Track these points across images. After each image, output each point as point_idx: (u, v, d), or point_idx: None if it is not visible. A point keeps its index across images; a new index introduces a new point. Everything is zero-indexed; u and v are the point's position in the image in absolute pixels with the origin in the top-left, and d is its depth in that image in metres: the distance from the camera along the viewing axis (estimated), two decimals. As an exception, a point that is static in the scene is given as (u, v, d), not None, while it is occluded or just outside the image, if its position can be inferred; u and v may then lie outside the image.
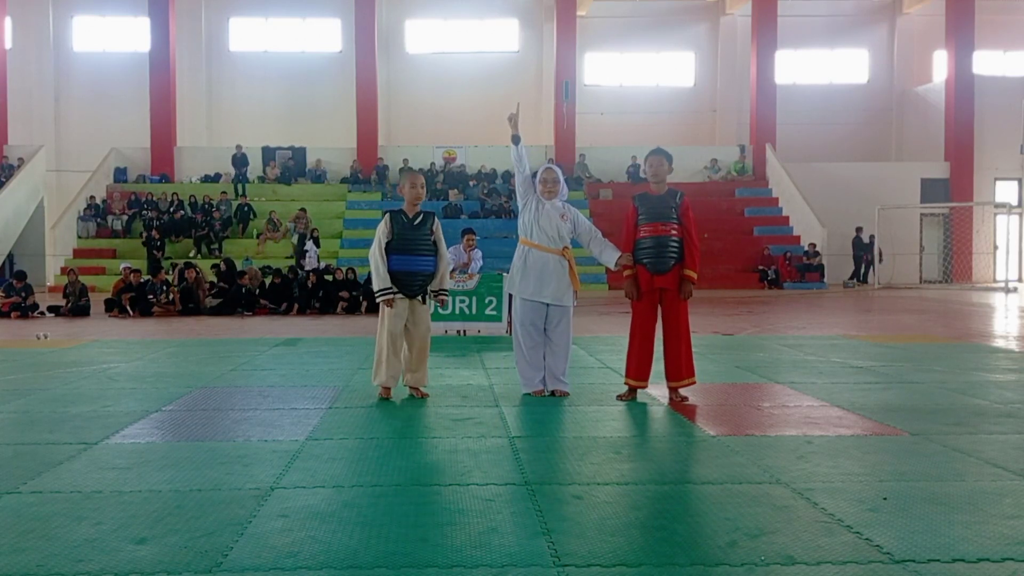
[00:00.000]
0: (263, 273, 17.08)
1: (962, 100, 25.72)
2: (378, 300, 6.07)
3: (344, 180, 25.71)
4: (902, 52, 28.90)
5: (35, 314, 14.35)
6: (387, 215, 6.10)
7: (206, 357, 8.60)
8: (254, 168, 25.55)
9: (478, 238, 11.41)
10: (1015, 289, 21.33)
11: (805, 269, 22.44)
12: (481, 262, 11.20)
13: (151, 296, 14.72)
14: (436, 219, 6.17)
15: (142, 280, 15.07)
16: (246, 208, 23.43)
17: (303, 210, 23.19)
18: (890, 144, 29.00)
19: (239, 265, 17.09)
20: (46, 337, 10.73)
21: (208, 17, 27.86)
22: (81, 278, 15.43)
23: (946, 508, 3.56)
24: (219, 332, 11.52)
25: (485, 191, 25.02)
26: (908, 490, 3.82)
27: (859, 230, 24.06)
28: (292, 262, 18.93)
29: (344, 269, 15.86)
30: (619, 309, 14.45)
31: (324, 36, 28.25)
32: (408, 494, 3.77)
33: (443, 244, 6.17)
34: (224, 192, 24.32)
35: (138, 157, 25.71)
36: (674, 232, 5.85)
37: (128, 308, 14.49)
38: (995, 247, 25.46)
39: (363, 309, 14.62)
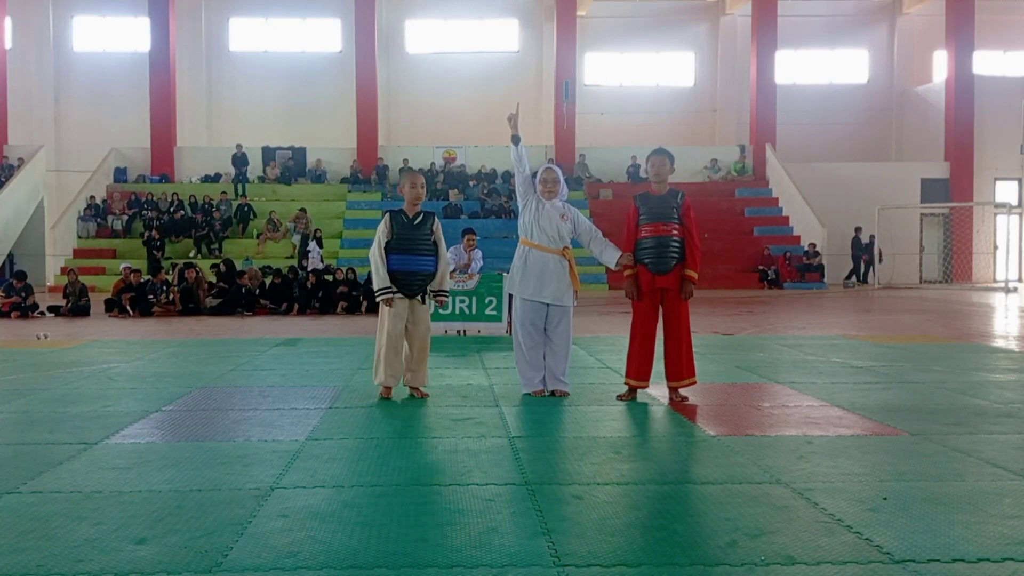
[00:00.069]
0: (263, 273, 17.09)
1: (962, 100, 25.73)
2: (377, 299, 6.07)
3: (344, 180, 25.71)
4: (902, 52, 28.91)
5: (35, 314, 14.35)
6: (387, 215, 6.11)
7: (206, 357, 8.60)
8: (254, 168, 25.56)
9: (478, 238, 11.40)
10: (1015, 289, 21.33)
11: (805, 269, 22.45)
12: (481, 262, 11.20)
13: (151, 296, 14.72)
14: (436, 219, 6.17)
15: (142, 280, 15.07)
16: (246, 208, 23.44)
17: (303, 210, 23.20)
18: (890, 144, 29.00)
19: (239, 265, 17.09)
20: (46, 337, 10.73)
21: (208, 17, 27.86)
22: (81, 278, 15.43)
23: (946, 508, 3.56)
24: (219, 332, 11.52)
25: (485, 191, 25.03)
26: (908, 490, 3.82)
27: (858, 230, 24.07)
28: (292, 262, 18.94)
29: (344, 269, 15.86)
30: (619, 309, 14.45)
31: (324, 36, 28.25)
32: (408, 494, 3.77)
33: (443, 244, 6.17)
34: (224, 192, 24.33)
35: (138, 157, 25.71)
36: (675, 232, 5.85)
37: (128, 308, 14.49)
38: (995, 247, 25.46)
39: (363, 309, 14.62)
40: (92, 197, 23.70)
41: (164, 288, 15.00)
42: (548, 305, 6.09)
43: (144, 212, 23.36)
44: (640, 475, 4.14)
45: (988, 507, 3.58)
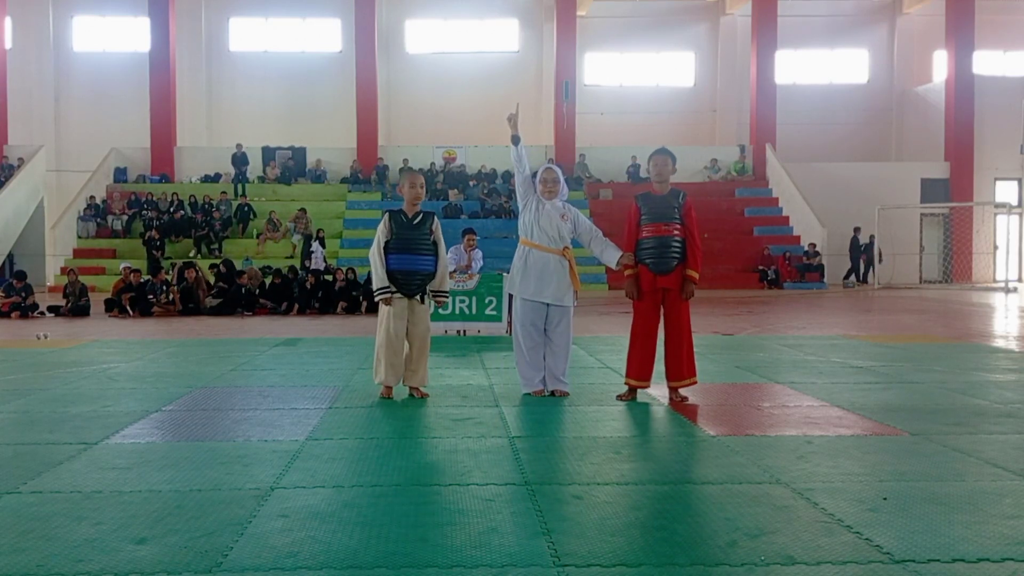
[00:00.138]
0: (263, 273, 17.09)
1: (962, 100, 25.73)
2: (376, 299, 6.08)
3: (344, 180, 25.71)
4: (902, 52, 28.91)
5: (35, 314, 14.35)
6: (387, 214, 6.12)
7: (206, 357, 8.60)
8: (254, 168, 25.56)
9: (478, 238, 11.40)
10: (1015, 289, 21.33)
11: (805, 269, 22.45)
12: (481, 262, 11.20)
13: (151, 296, 14.72)
14: (436, 219, 6.17)
15: (142, 280, 15.07)
16: (246, 208, 23.44)
17: (303, 210, 23.21)
18: (890, 144, 29.00)
19: (239, 265, 17.09)
20: (46, 337, 10.73)
21: (208, 17, 27.86)
22: (81, 278, 15.43)
23: (946, 508, 3.56)
24: (219, 332, 11.52)
25: (485, 191, 25.03)
26: (908, 490, 3.82)
27: (856, 230, 24.04)
28: (292, 262, 18.93)
29: (344, 269, 15.86)
30: (619, 309, 14.45)
31: (324, 36, 28.25)
32: (408, 494, 3.77)
33: (442, 244, 6.17)
34: (224, 192, 24.33)
35: (138, 157, 25.71)
36: (676, 232, 5.85)
37: (128, 308, 14.49)
38: (995, 247, 25.46)
39: (363, 309, 14.62)
40: (92, 197, 23.70)
41: (164, 288, 15.00)
42: (548, 305, 6.09)
43: (144, 212, 23.36)
44: (640, 475, 4.14)
45: (988, 507, 3.58)
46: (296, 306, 14.85)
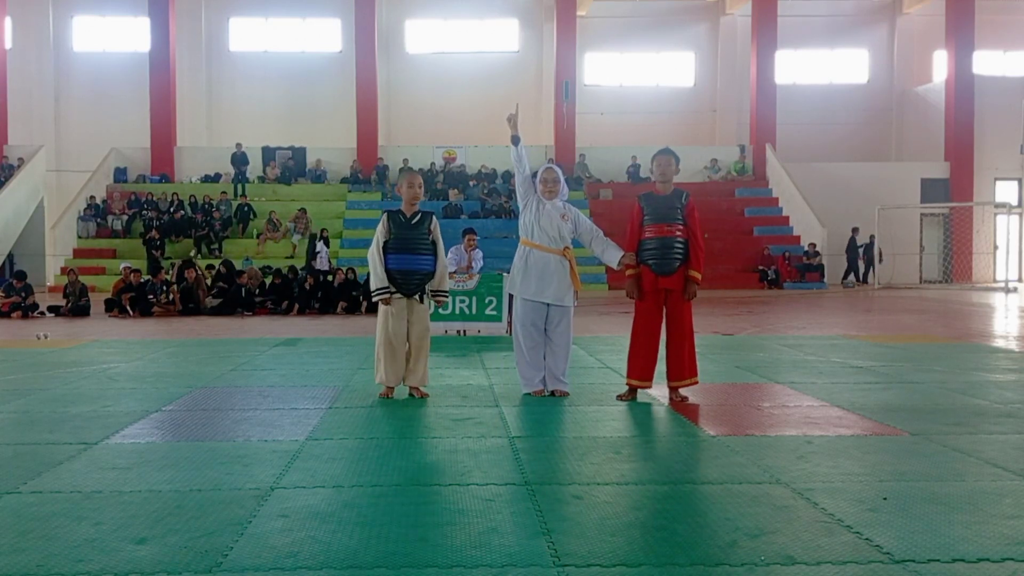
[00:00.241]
0: (263, 273, 17.09)
1: (962, 100, 25.72)
2: (375, 299, 6.09)
3: (344, 180, 25.71)
4: (902, 52, 28.91)
5: (35, 314, 14.36)
6: (385, 215, 6.13)
7: (206, 357, 8.60)
8: (254, 168, 25.56)
9: (478, 238, 11.40)
10: (1015, 289, 21.33)
11: (805, 269, 22.45)
12: (482, 262, 11.20)
13: (151, 296, 14.73)
14: (434, 219, 6.17)
15: (142, 280, 15.07)
16: (246, 208, 23.44)
17: (303, 210, 23.23)
18: (890, 144, 29.00)
19: (239, 265, 17.09)
20: (46, 337, 10.73)
21: (208, 17, 27.86)
22: (81, 278, 15.43)
23: (946, 508, 3.56)
24: (219, 332, 11.52)
25: (485, 191, 25.02)
26: (908, 490, 3.82)
27: (855, 231, 23.99)
28: (292, 262, 18.92)
29: (344, 269, 15.87)
30: (619, 309, 14.46)
31: (324, 36, 28.25)
32: (408, 494, 3.77)
33: (441, 244, 6.17)
34: (224, 192, 24.34)
35: (138, 157, 25.71)
36: (679, 233, 5.84)
37: (128, 308, 14.49)
38: (995, 247, 25.46)
39: (363, 309, 14.62)
40: (92, 197, 23.70)
41: (164, 288, 15.00)
42: (548, 305, 6.09)
43: (144, 212, 23.36)
44: (640, 475, 4.14)
45: (988, 507, 3.58)
46: (296, 306, 14.85)
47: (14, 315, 14.01)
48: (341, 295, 15.08)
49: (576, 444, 4.73)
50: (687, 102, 28.78)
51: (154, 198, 23.94)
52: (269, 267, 18.39)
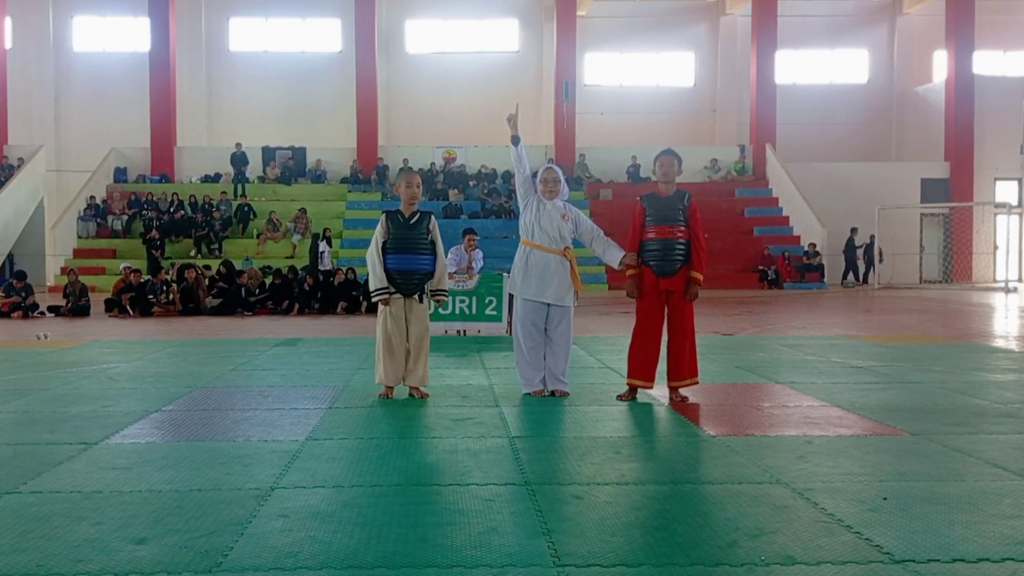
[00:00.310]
0: (263, 273, 17.08)
1: (962, 100, 25.72)
2: (374, 299, 6.09)
3: (344, 180, 25.71)
4: (902, 52, 28.90)
5: (35, 314, 14.36)
6: (384, 215, 6.14)
7: (206, 357, 8.60)
8: (254, 168, 25.56)
9: (478, 238, 11.40)
10: (1015, 289, 21.33)
11: (805, 269, 22.45)
12: (482, 262, 11.19)
13: (151, 296, 14.73)
14: (433, 218, 6.18)
15: (142, 280, 15.07)
16: (246, 208, 23.44)
17: (303, 210, 23.23)
18: (890, 144, 29.00)
19: (239, 265, 17.09)
20: (46, 337, 10.73)
21: (208, 17, 27.86)
22: (81, 278, 15.43)
23: (946, 508, 3.56)
24: (219, 332, 11.52)
25: (485, 191, 25.02)
26: (908, 490, 3.82)
27: (853, 231, 23.94)
28: (292, 262, 18.91)
29: (344, 269, 15.87)
30: (619, 309, 14.46)
31: (324, 36, 28.25)
32: (408, 494, 3.77)
33: (440, 243, 6.18)
34: (224, 192, 24.34)
35: (138, 157, 25.71)
36: (680, 234, 5.84)
37: (128, 308, 14.49)
38: (995, 247, 25.45)
39: (363, 309, 14.62)
40: (92, 197, 23.70)
41: (164, 288, 15.00)
42: (549, 305, 6.09)
43: (144, 212, 23.36)
44: (640, 475, 4.14)
45: (988, 507, 3.58)
46: (296, 306, 14.85)
47: (14, 315, 14.01)
48: (341, 295, 15.08)
49: (576, 444, 4.73)
50: (687, 102, 28.78)
51: (154, 198, 23.94)
52: (269, 267, 18.38)
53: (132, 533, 3.25)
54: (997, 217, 25.51)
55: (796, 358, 8.38)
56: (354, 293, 15.04)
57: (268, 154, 25.83)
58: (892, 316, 13.96)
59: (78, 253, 22.25)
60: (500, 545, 3.14)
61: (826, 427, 5.13)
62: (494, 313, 10.51)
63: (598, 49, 28.49)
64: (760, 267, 22.56)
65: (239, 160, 25.15)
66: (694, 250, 5.85)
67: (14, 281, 14.68)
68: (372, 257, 6.03)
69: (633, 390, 6.03)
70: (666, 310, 5.95)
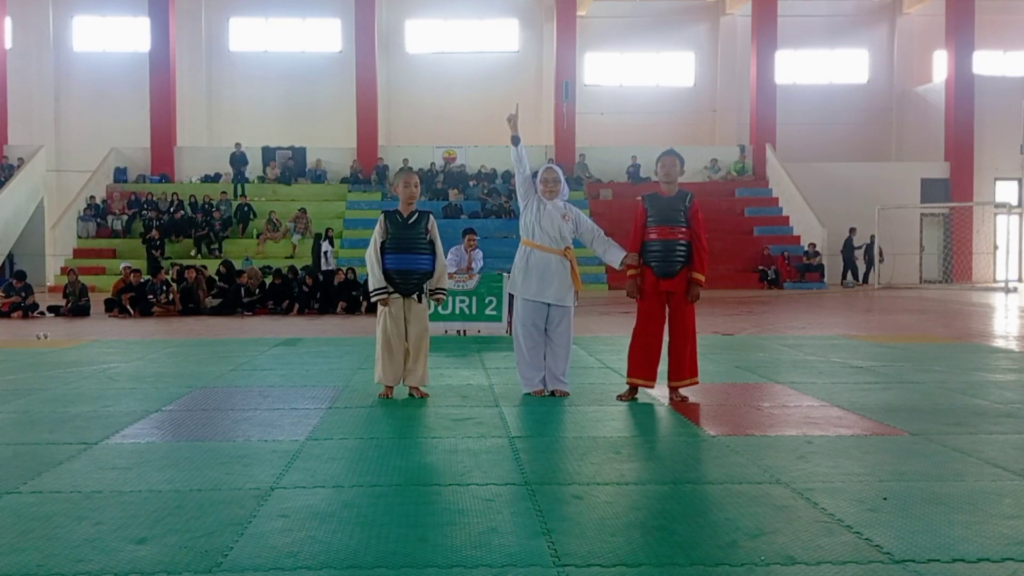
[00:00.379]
0: (263, 273, 17.08)
1: (962, 100, 25.72)
2: (372, 299, 6.10)
3: (344, 180, 25.71)
4: (902, 52, 28.90)
5: (35, 314, 14.36)
6: (382, 215, 6.15)
7: (206, 357, 8.60)
8: (254, 168, 25.56)
9: (478, 238, 11.40)
10: (1015, 289, 21.33)
11: (805, 269, 22.45)
12: (482, 262, 11.19)
13: (151, 296, 14.72)
14: (431, 218, 6.19)
15: (142, 280, 15.07)
16: (246, 208, 23.44)
17: (303, 210, 23.22)
18: (890, 144, 29.00)
19: (239, 265, 17.08)
20: (46, 337, 10.73)
21: (208, 17, 27.85)
22: (81, 278, 15.43)
23: (946, 508, 3.56)
24: (219, 332, 11.52)
25: (485, 191, 25.02)
26: (908, 490, 3.82)
27: (852, 231, 23.91)
28: (292, 262, 18.90)
29: (344, 269, 15.87)
30: (619, 309, 14.46)
31: (324, 36, 28.24)
32: (408, 494, 3.77)
33: (439, 243, 6.18)
34: (224, 192, 24.34)
35: (138, 157, 25.71)
36: (681, 236, 5.84)
37: (128, 308, 14.48)
38: (995, 247, 25.45)
39: (363, 309, 14.61)
40: (92, 197, 23.69)
41: (164, 288, 15.00)
42: (549, 305, 6.09)
43: (144, 212, 23.35)
44: (640, 475, 4.14)
45: (988, 507, 3.58)
46: (296, 306, 14.85)
47: (14, 315, 14.01)
48: (341, 295, 15.08)
49: (576, 444, 4.73)
50: (687, 102, 28.77)
51: (154, 198, 23.94)
52: (269, 267, 18.37)
53: (132, 533, 3.26)
54: (997, 217, 25.50)
55: (796, 358, 8.38)
56: (354, 293, 15.04)
57: (268, 154, 25.83)
58: (892, 316, 13.96)
59: (78, 253, 22.25)
60: (500, 545, 3.14)
61: (826, 427, 5.13)
62: (494, 313, 10.50)
63: (598, 49, 28.48)
64: (760, 267, 22.56)
65: (238, 160, 25.15)
66: (695, 251, 5.85)
67: (14, 281, 14.68)
68: (371, 257, 6.04)
69: (633, 389, 6.04)
70: (667, 311, 5.95)
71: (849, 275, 23.97)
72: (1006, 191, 26.33)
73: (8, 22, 25.87)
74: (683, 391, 5.97)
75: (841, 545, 3.14)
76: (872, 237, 23.76)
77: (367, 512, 3.52)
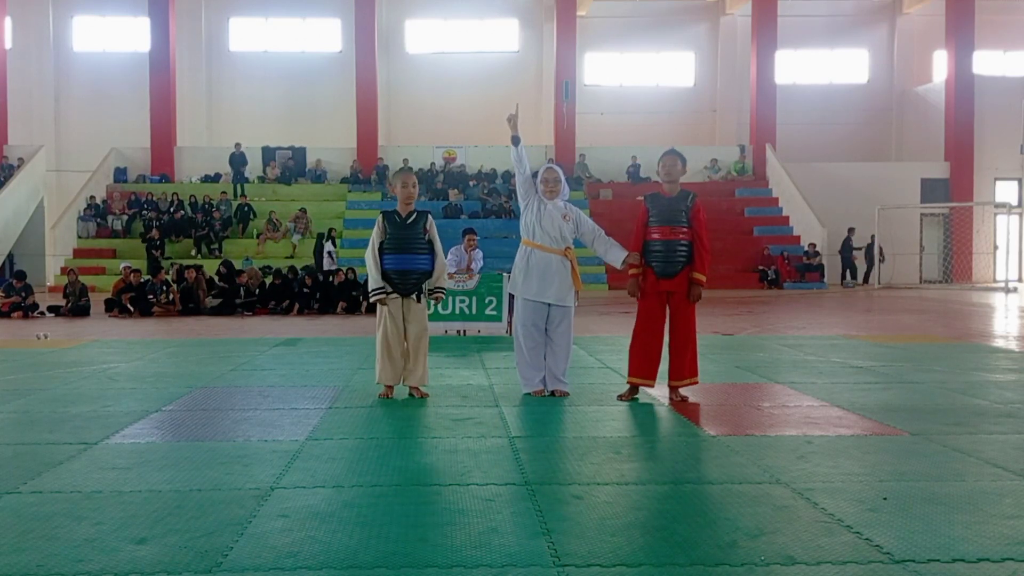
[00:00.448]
0: (263, 273, 17.08)
1: (962, 100, 25.72)
2: (371, 300, 6.11)
3: (344, 180, 25.71)
4: (902, 52, 28.90)
5: (35, 314, 14.35)
6: (380, 215, 6.15)
7: (206, 357, 8.60)
8: (254, 168, 25.56)
9: (478, 238, 11.39)
10: (1015, 289, 21.33)
11: (805, 269, 22.45)
12: (482, 262, 11.19)
13: (151, 296, 14.72)
14: (430, 217, 6.19)
15: (142, 280, 15.07)
16: (246, 208, 23.44)
17: (303, 210, 23.22)
18: (890, 144, 29.00)
19: (239, 265, 17.09)
20: (46, 337, 10.73)
21: (208, 17, 27.86)
22: (81, 278, 15.43)
23: (946, 508, 3.56)
24: (219, 332, 11.52)
25: (485, 191, 25.02)
26: (908, 490, 3.82)
27: (850, 231, 23.90)
28: (292, 262, 18.91)
29: (344, 269, 15.87)
30: (619, 309, 14.46)
31: (324, 36, 28.25)
32: (408, 494, 3.77)
33: (438, 242, 6.18)
34: (224, 192, 24.34)
35: (138, 157, 25.71)
36: (683, 236, 5.84)
37: (129, 307, 14.47)
38: (995, 247, 25.45)
39: (363, 309, 14.61)
40: (92, 197, 23.70)
41: (164, 288, 15.00)
42: (550, 305, 6.09)
43: (144, 212, 23.36)
44: (640, 475, 4.14)
45: (988, 507, 3.58)
46: (296, 306, 14.85)
47: (14, 315, 14.01)
48: (341, 295, 15.08)
49: (576, 444, 4.73)
50: (687, 102, 28.77)
51: (154, 198, 23.94)
52: (269, 267, 18.37)
53: (132, 533, 3.25)
54: (997, 217, 25.50)
55: (796, 358, 8.38)
56: (354, 293, 15.04)
57: (268, 154, 25.83)
58: (892, 316, 13.96)
59: (78, 253, 22.25)
60: (500, 545, 3.14)
61: (826, 427, 5.13)
62: (494, 313, 10.50)
63: (598, 49, 28.48)
64: (760, 267, 22.56)
65: (237, 160, 25.16)
66: (696, 251, 5.85)
67: (14, 281, 14.68)
68: (369, 258, 6.05)
69: (634, 389, 6.04)
70: (668, 311, 5.95)
71: (848, 275, 23.96)
72: (1006, 191, 26.33)
73: (8, 22, 25.87)
74: (683, 391, 5.97)
75: (841, 545, 3.14)
76: (872, 237, 23.76)
77: (367, 512, 3.52)
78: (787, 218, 24.71)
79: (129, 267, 15.64)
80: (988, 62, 27.87)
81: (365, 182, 25.40)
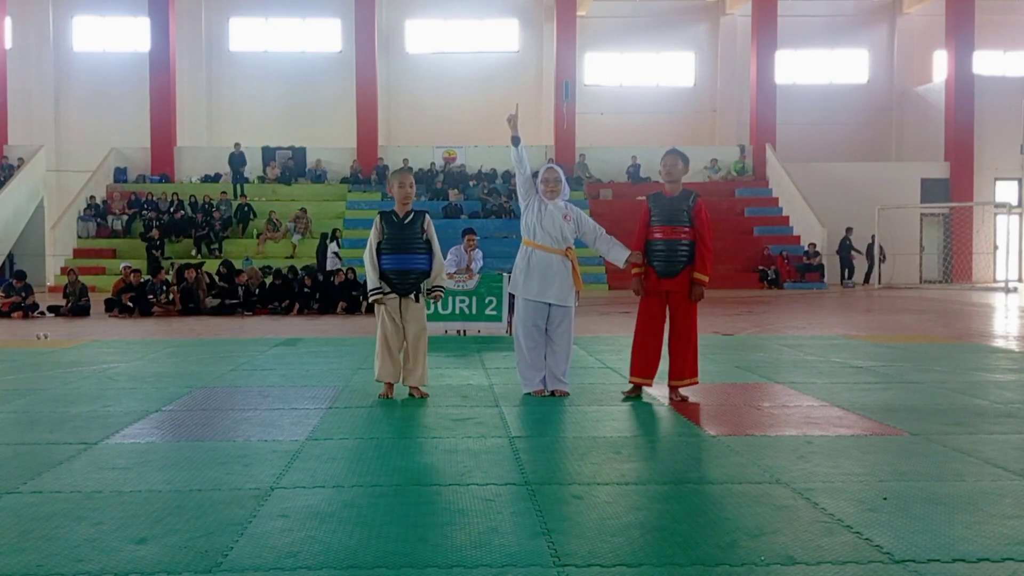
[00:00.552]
0: (263, 273, 17.08)
1: (962, 100, 25.72)
2: (369, 300, 6.11)
3: (344, 180, 25.71)
4: (902, 52, 28.90)
5: (35, 314, 14.35)
6: (378, 216, 6.16)
7: (206, 357, 8.60)
8: (254, 168, 25.56)
9: (478, 238, 11.39)
10: (1015, 289, 21.33)
11: (805, 269, 22.45)
12: (482, 262, 11.19)
13: (151, 296, 14.72)
14: (428, 217, 6.19)
15: (142, 280, 15.07)
16: (246, 208, 23.44)
17: (303, 210, 23.22)
18: (890, 144, 29.00)
19: (239, 265, 17.08)
20: (46, 337, 10.73)
21: (208, 17, 27.86)
22: (81, 278, 15.43)
23: (946, 508, 3.56)
24: (219, 332, 11.52)
25: (485, 191, 25.02)
26: (908, 490, 3.82)
27: (849, 231, 23.87)
28: (292, 262, 18.90)
29: (344, 269, 15.87)
30: (619, 309, 14.46)
31: (324, 36, 28.25)
32: (408, 494, 3.77)
33: (436, 242, 6.18)
34: (224, 192, 24.34)
35: (138, 157, 25.71)
36: (684, 236, 5.84)
37: (129, 305, 14.47)
38: (995, 247, 25.45)
39: (363, 309, 14.61)
40: (92, 197, 23.70)
41: (164, 288, 15.00)
42: (550, 305, 6.09)
43: (144, 212, 23.36)
44: (640, 475, 4.14)
45: (988, 507, 3.58)
46: (296, 306, 14.85)
47: (14, 315, 14.01)
48: (341, 295, 15.08)
49: (576, 444, 4.73)
50: (687, 102, 28.77)
51: (154, 198, 23.94)
52: (269, 267, 18.37)
53: (132, 533, 3.25)
54: (997, 217, 25.50)
55: (796, 358, 8.38)
56: (354, 293, 15.04)
57: (268, 154, 25.84)
58: (892, 316, 13.96)
59: (78, 253, 22.25)
60: (500, 545, 3.14)
61: (826, 427, 5.13)
62: (494, 313, 10.50)
63: (598, 49, 28.49)
64: (760, 267, 22.56)
65: (237, 160, 25.16)
66: (698, 251, 5.85)
67: (14, 281, 14.68)
68: (367, 259, 6.06)
69: (637, 388, 6.04)
70: (668, 310, 5.95)
71: (847, 274, 23.96)
72: (1006, 191, 26.33)
73: (8, 22, 25.88)
74: (683, 391, 5.97)
75: (841, 545, 3.14)
76: (873, 237, 23.75)
77: (367, 512, 3.52)
78: (787, 218, 24.71)
79: (129, 267, 15.64)
80: (988, 62, 27.87)
81: (365, 182, 25.40)
